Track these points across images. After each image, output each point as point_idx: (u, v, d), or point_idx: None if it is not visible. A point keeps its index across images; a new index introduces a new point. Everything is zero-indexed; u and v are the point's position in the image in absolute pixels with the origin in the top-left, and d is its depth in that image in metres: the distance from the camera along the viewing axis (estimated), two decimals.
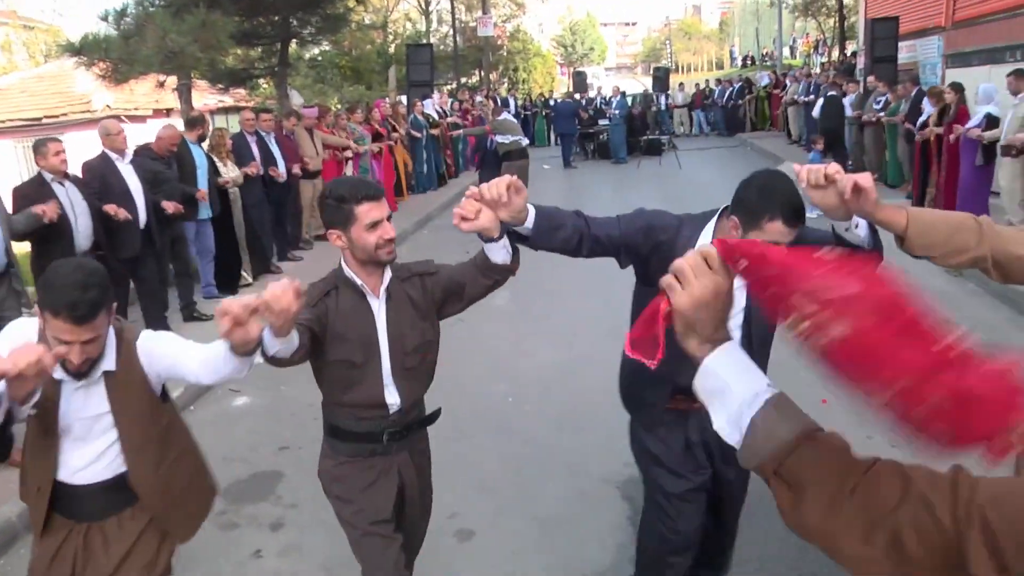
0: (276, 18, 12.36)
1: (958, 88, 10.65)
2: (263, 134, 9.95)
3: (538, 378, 6.36)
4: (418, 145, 15.64)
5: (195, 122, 9.08)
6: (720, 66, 71.57)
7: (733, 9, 77.61)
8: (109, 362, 2.64)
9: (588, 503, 4.55)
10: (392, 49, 27.86)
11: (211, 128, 9.39)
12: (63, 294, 2.36)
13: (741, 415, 1.21)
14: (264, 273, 9.60)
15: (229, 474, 5.02)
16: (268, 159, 9.87)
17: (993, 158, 9.50)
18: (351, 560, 3.01)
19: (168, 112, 17.63)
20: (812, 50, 42.80)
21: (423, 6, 31.10)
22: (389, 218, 2.74)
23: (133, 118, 17.60)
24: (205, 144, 8.95)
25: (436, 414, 3.13)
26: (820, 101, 16.72)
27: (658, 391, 3.02)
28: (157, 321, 7.39)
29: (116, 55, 8.61)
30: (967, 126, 9.80)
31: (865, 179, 2.11)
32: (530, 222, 2.55)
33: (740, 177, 2.73)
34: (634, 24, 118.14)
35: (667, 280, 1.30)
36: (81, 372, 2.55)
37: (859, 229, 2.38)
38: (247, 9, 11.38)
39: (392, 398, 2.86)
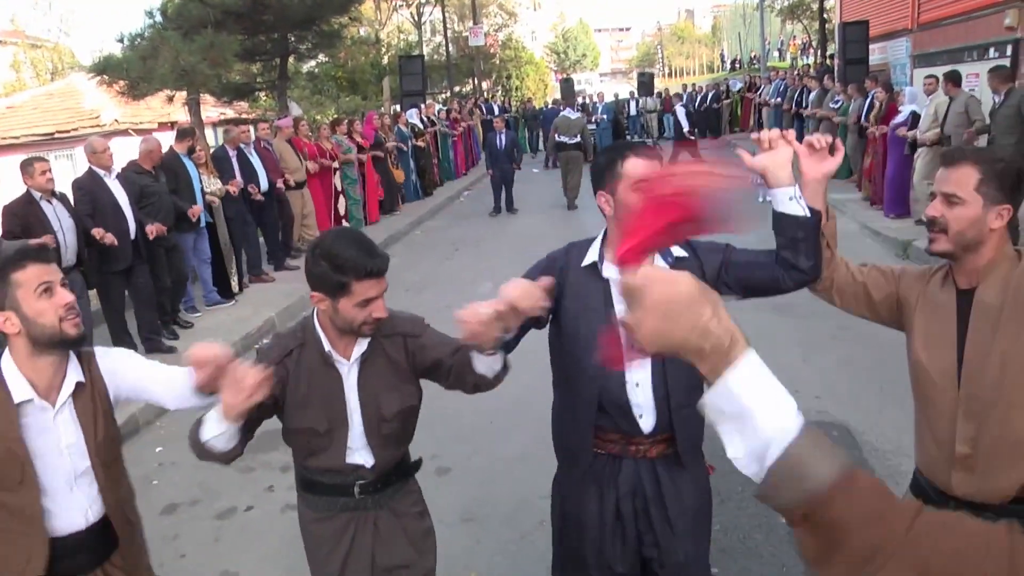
0: (275, 36, 13.23)
1: (888, 88, 11.70)
2: (243, 147, 10.15)
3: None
4: (404, 157, 15.96)
5: (184, 134, 9.12)
6: (712, 69, 72.57)
7: (724, 13, 78.62)
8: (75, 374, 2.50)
9: (548, 446, 5.39)
10: (386, 60, 28.73)
11: (196, 141, 9.39)
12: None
13: (767, 450, 1.04)
14: (256, 282, 10.16)
15: None
16: (249, 172, 10.08)
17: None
18: None
19: (173, 125, 18.50)
20: (799, 52, 43.74)
21: (416, 18, 32.01)
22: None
23: (140, 131, 18.51)
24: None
25: (417, 464, 2.85)
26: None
27: (581, 431, 2.70)
28: (152, 327, 7.67)
29: (135, 74, 9.46)
30: (892, 123, 10.93)
31: (820, 139, 2.30)
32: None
33: None
34: (628, 29, 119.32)
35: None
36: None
37: (802, 200, 2.31)
38: (249, 28, 12.25)
39: (363, 459, 2.60)
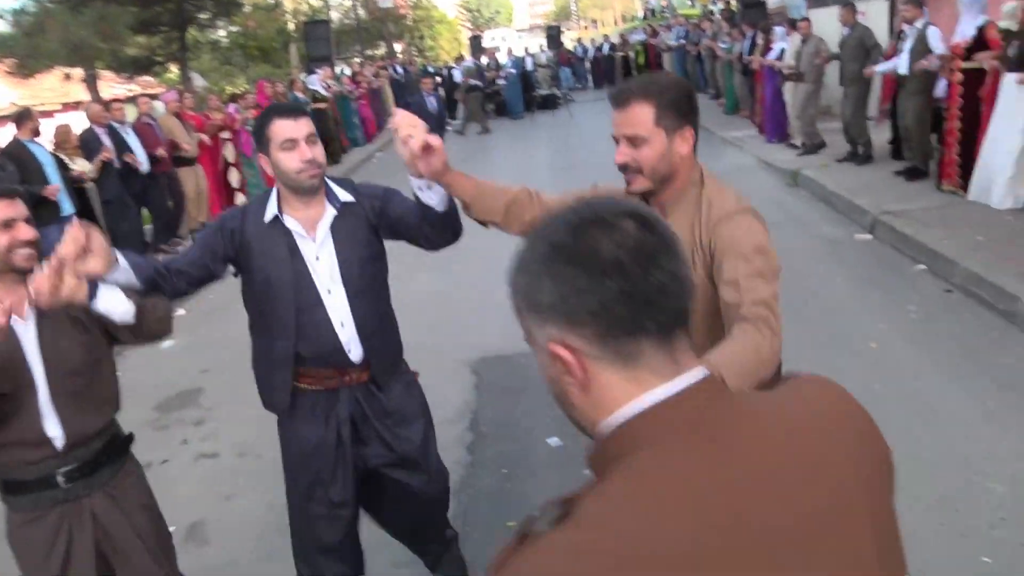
0: (171, 5, 13.09)
1: (766, 29, 13.06)
2: (116, 126, 9.48)
3: (416, 300, 7.46)
4: None
5: (21, 117, 8.58)
6: (629, 19, 72.71)
7: None
8: None
9: (442, 382, 5.72)
10: (293, 26, 28.35)
11: (38, 122, 8.70)
12: None
13: None
14: None
15: (160, 395, 6.07)
16: (123, 150, 9.38)
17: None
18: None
19: (77, 104, 18.19)
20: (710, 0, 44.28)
21: None
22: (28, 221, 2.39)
23: (41, 113, 18.14)
24: (41, 139, 8.56)
25: (128, 439, 2.70)
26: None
27: (282, 370, 2.79)
28: None
29: (22, 51, 9.32)
30: (766, 58, 12.43)
31: (435, 140, 2.24)
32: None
33: None
34: None
35: None
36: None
37: (434, 191, 2.51)
38: None
39: (54, 431, 2.39)
